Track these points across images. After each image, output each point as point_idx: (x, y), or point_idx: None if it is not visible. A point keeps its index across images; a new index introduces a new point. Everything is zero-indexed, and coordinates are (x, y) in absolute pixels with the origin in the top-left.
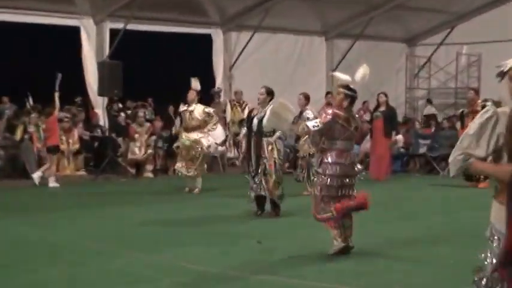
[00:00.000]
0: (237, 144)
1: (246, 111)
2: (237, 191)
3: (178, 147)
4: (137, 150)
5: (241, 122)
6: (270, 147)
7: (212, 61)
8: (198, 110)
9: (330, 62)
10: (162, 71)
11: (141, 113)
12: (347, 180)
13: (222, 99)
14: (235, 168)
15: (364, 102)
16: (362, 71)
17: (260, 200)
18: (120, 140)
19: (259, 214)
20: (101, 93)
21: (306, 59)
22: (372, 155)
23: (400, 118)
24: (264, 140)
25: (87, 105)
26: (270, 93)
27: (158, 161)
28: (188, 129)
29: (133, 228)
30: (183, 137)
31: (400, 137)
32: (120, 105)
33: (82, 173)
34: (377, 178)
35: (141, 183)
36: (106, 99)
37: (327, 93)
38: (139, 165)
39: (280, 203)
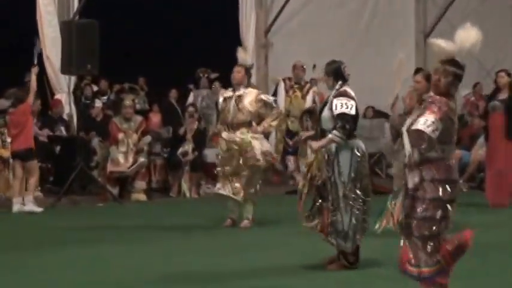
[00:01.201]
0: (291, 151)
1: (310, 98)
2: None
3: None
4: (122, 159)
5: (303, 116)
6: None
7: (239, 22)
8: (250, 96)
9: (422, 23)
10: (161, 36)
11: (128, 101)
12: (451, 206)
13: (253, 80)
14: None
15: (474, 85)
16: (470, 35)
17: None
18: (95, 142)
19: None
20: (65, 69)
21: (384, 19)
22: (488, 168)
23: None
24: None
25: (43, 89)
26: (336, 74)
27: (154, 175)
28: (231, 126)
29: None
30: (225, 138)
31: None
32: (96, 89)
33: (35, 193)
34: (497, 203)
35: (127, 210)
36: (74, 80)
37: (417, 70)
38: (124, 182)
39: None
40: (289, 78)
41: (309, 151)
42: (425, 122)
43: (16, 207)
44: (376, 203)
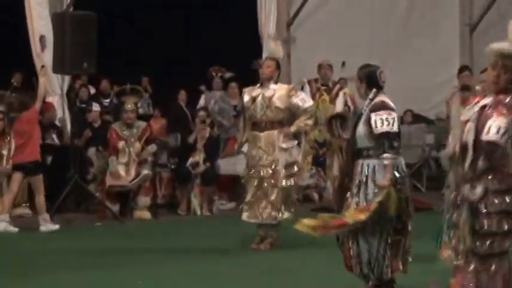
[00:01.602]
0: (320, 162)
1: (341, 100)
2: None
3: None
4: (123, 171)
5: (333, 122)
6: (363, 177)
7: (257, 14)
8: (280, 93)
9: (467, 14)
10: (168, 30)
11: (129, 105)
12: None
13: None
14: (309, 204)
15: None
16: None
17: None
18: (92, 152)
19: None
20: (58, 68)
21: (424, 10)
22: None
23: None
24: (360, 162)
25: (32, 91)
26: (370, 80)
27: (160, 190)
28: (260, 128)
29: None
30: (254, 144)
31: None
32: (93, 91)
33: (23, 210)
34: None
35: (129, 230)
36: (67, 80)
37: (463, 68)
38: (126, 198)
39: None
40: (315, 80)
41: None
42: (498, 129)
43: (1, 225)
44: (417, 222)
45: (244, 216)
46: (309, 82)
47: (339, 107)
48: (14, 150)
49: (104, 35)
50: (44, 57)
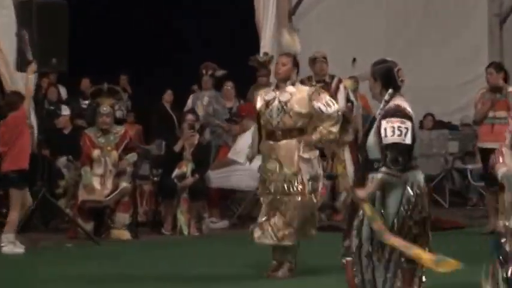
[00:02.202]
0: (327, 174)
1: (343, 95)
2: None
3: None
4: (98, 184)
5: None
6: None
7: (254, 5)
8: (300, 95)
9: (497, 3)
10: (152, 21)
11: (105, 107)
12: None
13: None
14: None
15: None
16: None
17: None
18: (61, 161)
19: None
20: (22, 65)
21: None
22: None
23: None
24: (371, 176)
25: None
26: (387, 78)
27: (141, 205)
28: (276, 137)
29: None
30: (269, 156)
31: None
32: (63, 91)
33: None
34: None
35: (105, 252)
36: (34, 79)
37: (490, 65)
38: (102, 215)
39: None
40: (309, 78)
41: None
42: None
43: (8, 247)
44: (437, 242)
45: (256, 237)
46: (302, 81)
47: (341, 102)
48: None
49: (77, 27)
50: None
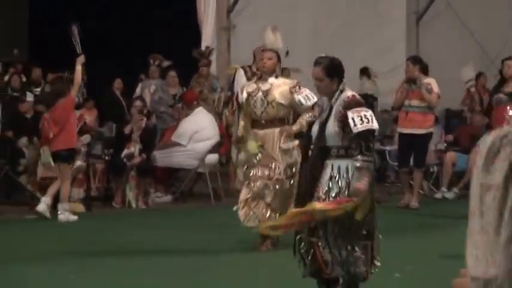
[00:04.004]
0: None
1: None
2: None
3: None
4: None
5: None
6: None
7: (196, 3)
8: (282, 88)
9: (414, 3)
10: (104, 15)
11: None
12: None
13: (213, 67)
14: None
15: (477, 76)
16: None
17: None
18: (22, 142)
19: None
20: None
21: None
22: None
23: None
24: (329, 162)
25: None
26: (339, 74)
27: (94, 181)
28: (260, 125)
29: None
30: (253, 141)
31: None
32: (24, 79)
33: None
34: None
35: (62, 222)
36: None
37: (409, 57)
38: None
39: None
40: (249, 66)
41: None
42: None
43: (64, 215)
44: None
45: (242, 218)
46: (244, 68)
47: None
48: (52, 140)
49: (37, 17)
50: None
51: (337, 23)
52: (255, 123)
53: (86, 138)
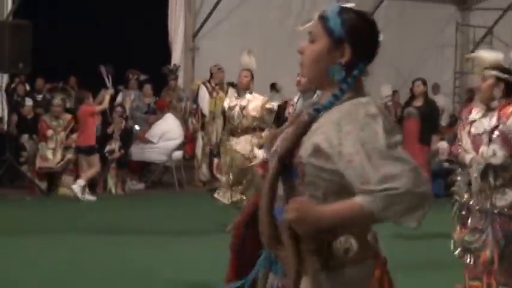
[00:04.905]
0: (214, 154)
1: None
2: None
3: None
4: (50, 155)
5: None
6: None
7: (167, 25)
8: (255, 103)
9: None
10: (93, 38)
11: (57, 100)
12: None
13: (180, 81)
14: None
15: (393, 93)
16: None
17: None
18: (24, 138)
19: None
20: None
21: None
22: None
23: (445, 117)
24: None
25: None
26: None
27: (82, 171)
28: (236, 133)
29: (37, 271)
30: (232, 143)
31: (443, 144)
32: (28, 88)
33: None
34: None
35: (55, 203)
36: (6, 78)
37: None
38: (52, 178)
39: None
40: (209, 81)
41: None
42: None
43: (76, 189)
44: None
45: (226, 198)
46: (204, 83)
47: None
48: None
49: (41, 39)
50: None
51: (282, 46)
52: (233, 131)
53: (75, 136)
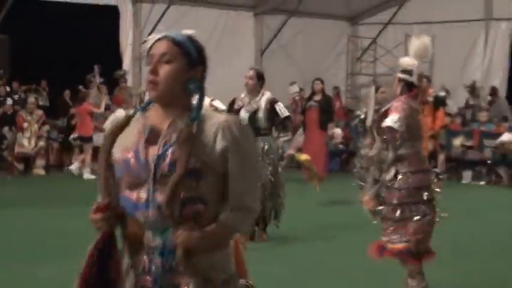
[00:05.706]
0: None
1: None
2: None
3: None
4: (26, 143)
5: None
6: (266, 147)
7: (119, 38)
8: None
9: (260, 42)
10: (59, 48)
11: (31, 99)
12: (426, 194)
13: (128, 84)
14: None
15: (300, 90)
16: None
17: None
18: (5, 130)
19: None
20: None
21: (231, 38)
22: (305, 151)
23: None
24: (260, 139)
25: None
26: (261, 78)
27: (51, 155)
28: None
29: (15, 236)
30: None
31: (338, 130)
32: (8, 89)
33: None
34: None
35: (30, 181)
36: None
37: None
38: (28, 161)
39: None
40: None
41: None
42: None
43: (86, 174)
44: None
45: None
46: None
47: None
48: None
49: (17, 50)
50: None
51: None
52: None
53: (46, 128)
